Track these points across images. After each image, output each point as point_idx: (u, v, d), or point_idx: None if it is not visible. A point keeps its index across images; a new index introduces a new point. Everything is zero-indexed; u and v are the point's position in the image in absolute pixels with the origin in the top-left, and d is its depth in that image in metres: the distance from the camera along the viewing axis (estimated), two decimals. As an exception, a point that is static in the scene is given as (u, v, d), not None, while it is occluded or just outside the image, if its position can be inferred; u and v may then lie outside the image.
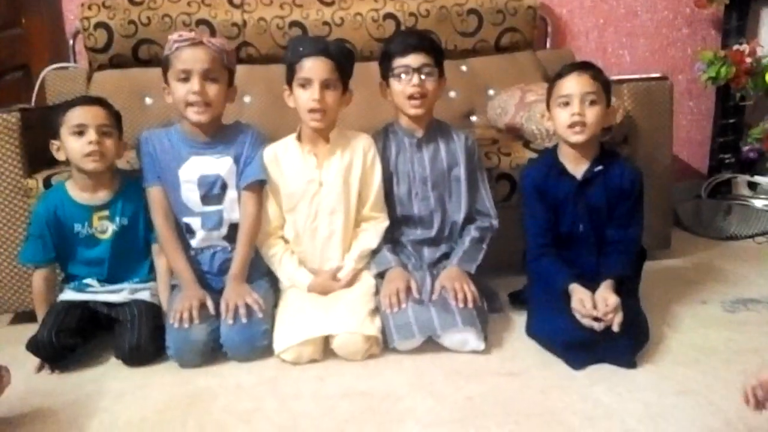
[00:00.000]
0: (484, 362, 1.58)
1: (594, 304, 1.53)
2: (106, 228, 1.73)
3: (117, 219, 1.73)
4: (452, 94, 2.58)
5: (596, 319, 1.52)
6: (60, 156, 1.69)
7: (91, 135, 1.64)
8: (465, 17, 2.64)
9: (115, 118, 1.72)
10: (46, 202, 1.73)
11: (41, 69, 2.52)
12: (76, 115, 1.65)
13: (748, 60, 2.65)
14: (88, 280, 1.74)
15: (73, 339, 1.61)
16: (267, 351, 1.62)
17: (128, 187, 1.76)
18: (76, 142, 1.64)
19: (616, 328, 1.50)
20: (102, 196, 1.73)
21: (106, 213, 1.73)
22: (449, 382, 1.49)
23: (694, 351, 1.59)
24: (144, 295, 1.74)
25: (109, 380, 1.57)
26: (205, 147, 1.75)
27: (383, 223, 1.80)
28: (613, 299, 1.53)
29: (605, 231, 1.70)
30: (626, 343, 1.53)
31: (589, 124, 1.61)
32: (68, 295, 1.73)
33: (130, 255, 1.77)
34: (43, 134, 1.89)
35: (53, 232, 1.70)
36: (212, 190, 1.73)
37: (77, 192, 1.72)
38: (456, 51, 2.64)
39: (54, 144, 1.69)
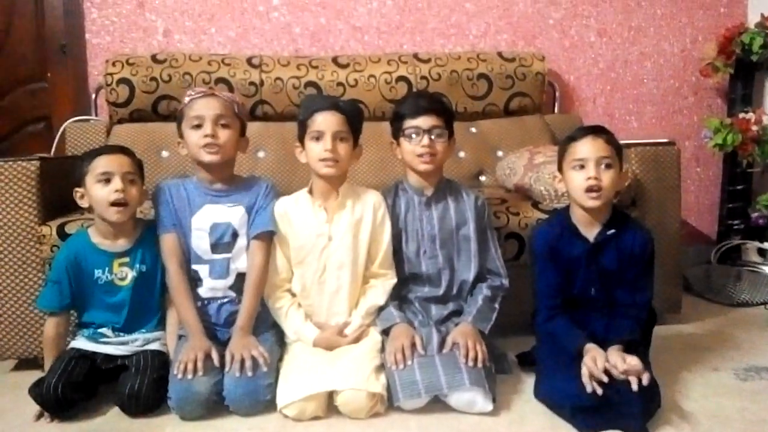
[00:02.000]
0: (492, 424, 1.54)
1: (605, 367, 1.51)
2: (125, 275, 1.74)
3: (137, 266, 1.74)
4: (462, 154, 2.63)
5: (601, 384, 1.48)
6: (83, 203, 1.72)
7: (117, 183, 1.67)
8: (475, 81, 2.72)
9: (138, 166, 1.76)
10: (68, 248, 1.75)
11: (63, 121, 2.61)
12: (103, 164, 1.68)
13: (754, 128, 2.71)
14: (102, 330, 1.73)
15: (78, 394, 1.60)
16: (270, 406, 1.59)
17: (148, 235, 1.77)
18: (101, 189, 1.67)
19: (635, 387, 1.47)
20: (122, 243, 1.75)
21: (126, 260, 1.74)
22: (455, 444, 1.45)
23: (707, 419, 1.55)
24: (154, 345, 1.73)
25: (108, 431, 1.54)
26: (219, 195, 1.78)
27: (391, 280, 1.80)
28: (635, 359, 1.50)
29: (615, 294, 1.69)
30: (638, 409, 1.48)
31: (604, 188, 1.61)
32: (80, 343, 1.72)
33: (148, 303, 1.77)
34: (60, 183, 1.94)
35: (72, 279, 1.71)
36: (223, 239, 1.75)
37: (99, 238, 1.74)
38: (466, 113, 2.71)
39: (78, 191, 1.71)
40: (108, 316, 1.74)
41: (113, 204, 1.67)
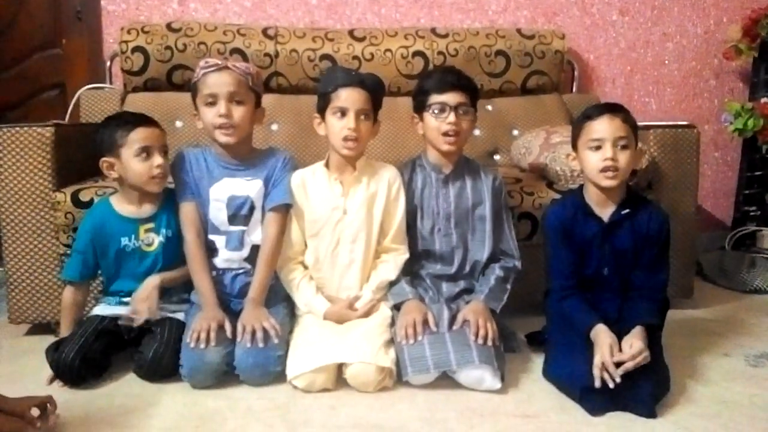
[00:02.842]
0: (500, 402, 1.54)
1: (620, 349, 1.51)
2: (152, 240, 1.74)
3: (163, 231, 1.75)
4: (477, 132, 2.59)
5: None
6: (112, 174, 1.71)
7: (158, 158, 1.68)
8: (493, 58, 2.68)
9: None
10: (92, 218, 1.75)
11: (77, 88, 2.61)
12: (142, 137, 1.67)
13: (776, 114, 2.65)
14: (128, 299, 1.72)
15: (94, 370, 1.61)
16: (280, 376, 1.60)
17: (172, 200, 1.78)
18: (141, 163, 1.67)
19: (617, 376, 1.46)
20: (147, 209, 1.75)
21: (151, 225, 1.74)
22: (463, 420, 1.46)
23: (716, 404, 1.54)
24: (179, 315, 1.73)
25: (121, 396, 1.57)
26: (237, 169, 1.78)
27: (403, 255, 1.80)
28: (638, 344, 1.50)
29: (630, 275, 1.67)
30: (647, 392, 1.49)
31: (621, 168, 1.59)
32: (104, 309, 1.73)
33: (175, 268, 1.77)
34: (74, 150, 1.95)
35: (98, 249, 1.72)
36: (240, 211, 1.75)
37: (122, 206, 1.74)
38: (482, 90, 2.64)
39: (106, 161, 1.70)
40: (137, 284, 1.73)
41: (154, 177, 1.67)
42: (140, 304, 1.66)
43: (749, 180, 2.89)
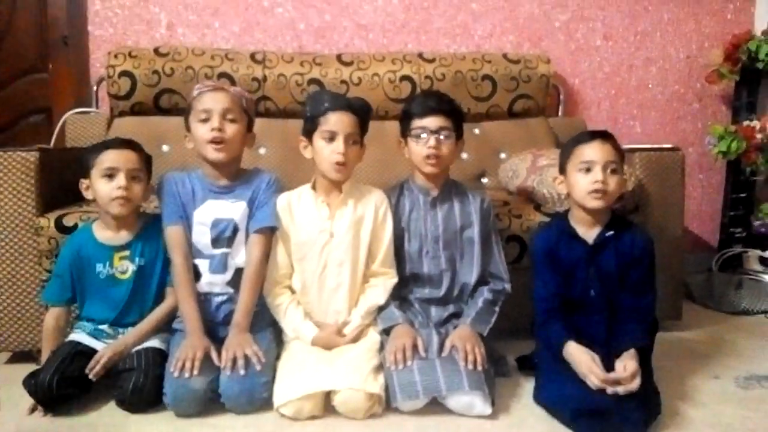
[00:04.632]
0: (490, 428, 1.52)
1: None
2: (126, 268, 1.73)
3: (137, 259, 1.73)
4: (464, 155, 2.60)
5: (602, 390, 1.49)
6: (88, 195, 1.72)
7: (121, 180, 1.66)
8: (480, 82, 2.71)
9: (146, 161, 1.75)
10: (72, 242, 1.75)
11: (63, 113, 2.60)
12: (109, 158, 1.68)
13: (759, 136, 2.69)
14: (103, 327, 1.72)
15: (72, 389, 1.58)
16: (266, 404, 1.57)
17: (149, 228, 1.76)
18: (105, 184, 1.67)
19: (621, 390, 1.46)
20: (123, 236, 1.74)
21: (126, 253, 1.73)
22: (453, 447, 1.44)
23: (708, 427, 1.54)
24: (154, 343, 1.70)
25: (103, 426, 1.53)
26: (222, 191, 1.77)
27: (392, 279, 1.78)
28: (632, 365, 1.50)
29: (617, 297, 1.67)
30: (638, 415, 1.47)
31: (610, 192, 1.61)
32: (81, 336, 1.70)
33: (147, 297, 1.76)
34: (59, 175, 1.93)
35: (75, 273, 1.71)
36: (224, 234, 1.73)
37: (101, 232, 1.74)
38: (469, 114, 2.68)
39: (83, 183, 1.71)
40: (108, 311, 1.72)
41: (115, 199, 1.66)
42: (107, 352, 1.63)
43: (734, 201, 2.92)
